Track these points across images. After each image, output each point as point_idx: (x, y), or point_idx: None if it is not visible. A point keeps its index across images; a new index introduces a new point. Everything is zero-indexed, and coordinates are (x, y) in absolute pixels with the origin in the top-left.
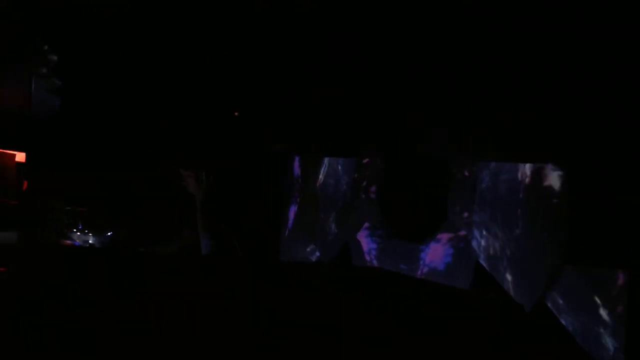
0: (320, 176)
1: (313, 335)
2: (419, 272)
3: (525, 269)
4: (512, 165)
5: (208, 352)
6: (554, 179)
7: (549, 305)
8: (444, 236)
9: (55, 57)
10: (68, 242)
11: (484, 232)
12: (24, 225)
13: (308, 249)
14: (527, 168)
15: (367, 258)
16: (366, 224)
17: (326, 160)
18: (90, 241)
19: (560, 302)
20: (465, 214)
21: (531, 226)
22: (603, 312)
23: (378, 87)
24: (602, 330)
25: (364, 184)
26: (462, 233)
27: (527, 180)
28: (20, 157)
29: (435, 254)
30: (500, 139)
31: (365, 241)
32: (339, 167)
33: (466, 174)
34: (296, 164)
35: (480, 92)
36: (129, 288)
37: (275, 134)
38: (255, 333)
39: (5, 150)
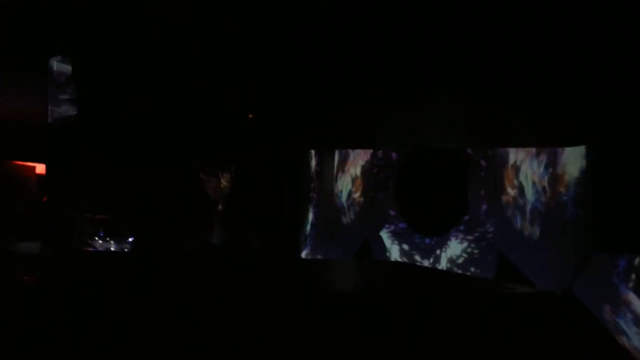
0: (337, 171)
1: (335, 327)
2: (441, 266)
3: (551, 257)
4: (533, 151)
5: (222, 347)
6: (578, 162)
7: (576, 293)
8: (465, 228)
9: (70, 66)
10: (90, 250)
11: (506, 222)
12: (46, 235)
13: (328, 246)
14: (549, 152)
15: (388, 253)
16: (386, 220)
17: (341, 155)
18: (112, 248)
19: (588, 289)
20: (484, 206)
21: (556, 213)
22: (633, 298)
23: (389, 78)
24: (631, 317)
25: (381, 178)
26: (483, 224)
27: (549, 165)
28: (40, 168)
29: (456, 247)
30: (519, 123)
31: (385, 236)
32: (355, 162)
33: (483, 163)
34: (313, 160)
35: (496, 75)
36: (147, 288)
37: (289, 129)
38: (274, 326)
39: (25, 163)
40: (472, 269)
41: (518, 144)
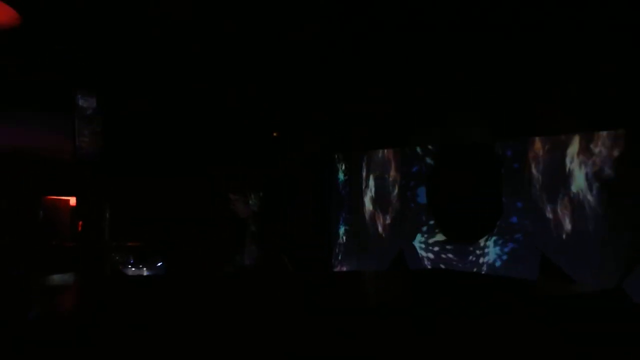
0: (365, 184)
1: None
2: (480, 271)
3: (599, 254)
4: (569, 138)
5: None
6: (625, 147)
7: (627, 290)
8: (502, 231)
9: (94, 99)
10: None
11: (544, 219)
12: (80, 265)
13: (360, 258)
14: (584, 138)
15: (424, 262)
16: (419, 229)
17: (369, 163)
18: (144, 274)
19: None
20: (520, 204)
21: (601, 205)
22: None
23: (413, 79)
24: None
25: (412, 186)
26: (521, 223)
27: (590, 153)
28: (74, 201)
29: (495, 251)
30: (551, 108)
31: (419, 246)
32: (383, 170)
33: (514, 158)
34: (340, 175)
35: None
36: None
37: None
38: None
39: (59, 197)
40: (514, 272)
41: (552, 132)
